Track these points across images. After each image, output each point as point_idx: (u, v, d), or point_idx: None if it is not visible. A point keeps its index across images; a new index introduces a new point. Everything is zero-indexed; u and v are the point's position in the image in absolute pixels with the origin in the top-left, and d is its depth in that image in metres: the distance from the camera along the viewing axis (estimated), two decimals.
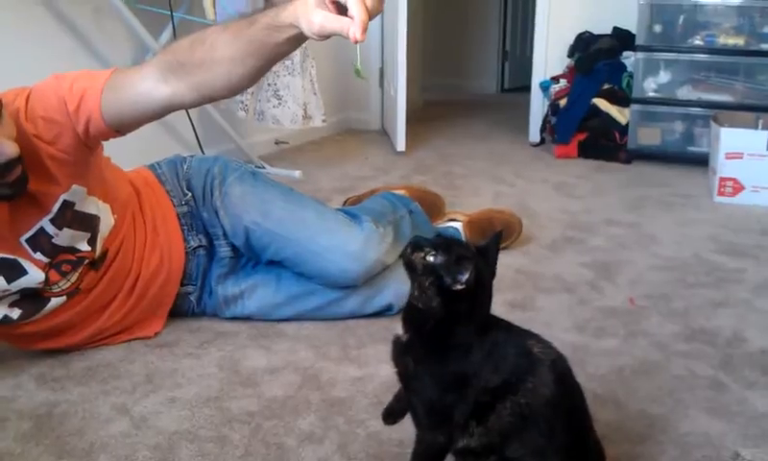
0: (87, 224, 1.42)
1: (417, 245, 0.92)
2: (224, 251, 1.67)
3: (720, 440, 1.20)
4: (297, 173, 2.99)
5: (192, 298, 1.67)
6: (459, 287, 0.88)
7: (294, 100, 2.87)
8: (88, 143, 1.31)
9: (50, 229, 1.35)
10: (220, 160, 1.70)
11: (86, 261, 1.45)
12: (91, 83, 1.26)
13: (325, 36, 1.03)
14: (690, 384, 1.38)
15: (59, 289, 1.42)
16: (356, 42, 0.96)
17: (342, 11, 1.00)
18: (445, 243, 0.91)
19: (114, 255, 1.51)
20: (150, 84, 1.22)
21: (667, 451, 1.17)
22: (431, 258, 0.90)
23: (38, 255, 1.37)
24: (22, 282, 1.36)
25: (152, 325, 1.60)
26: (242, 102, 2.83)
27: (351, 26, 0.96)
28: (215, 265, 1.67)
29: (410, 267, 0.93)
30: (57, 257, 1.39)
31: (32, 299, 1.41)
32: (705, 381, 1.39)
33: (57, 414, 1.30)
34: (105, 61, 2.53)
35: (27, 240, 1.34)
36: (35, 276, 1.37)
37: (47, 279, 1.39)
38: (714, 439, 1.20)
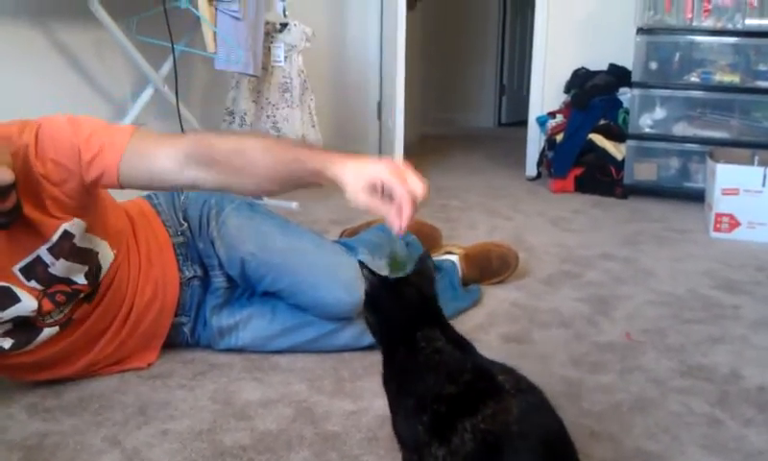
0: (84, 257, 1.41)
1: None
2: (219, 281, 1.66)
3: None
4: (294, 204, 2.99)
5: (186, 329, 1.66)
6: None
7: (292, 132, 2.89)
8: (91, 190, 1.33)
9: (47, 258, 1.35)
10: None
11: (81, 295, 1.44)
12: (111, 139, 1.27)
13: None
14: (687, 421, 1.37)
15: (51, 320, 1.42)
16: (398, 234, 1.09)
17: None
18: None
19: (108, 287, 1.50)
20: (173, 165, 1.25)
21: None
22: None
23: (33, 284, 1.36)
24: (14, 310, 1.35)
25: (145, 356, 1.60)
26: None
27: (396, 220, 1.08)
28: (210, 296, 1.66)
29: None
30: (52, 287, 1.39)
31: (24, 328, 1.40)
32: (701, 418, 1.38)
33: (48, 445, 1.28)
34: (105, 93, 2.55)
35: (21, 269, 1.34)
36: (27, 304, 1.36)
37: (40, 307, 1.38)
38: None
